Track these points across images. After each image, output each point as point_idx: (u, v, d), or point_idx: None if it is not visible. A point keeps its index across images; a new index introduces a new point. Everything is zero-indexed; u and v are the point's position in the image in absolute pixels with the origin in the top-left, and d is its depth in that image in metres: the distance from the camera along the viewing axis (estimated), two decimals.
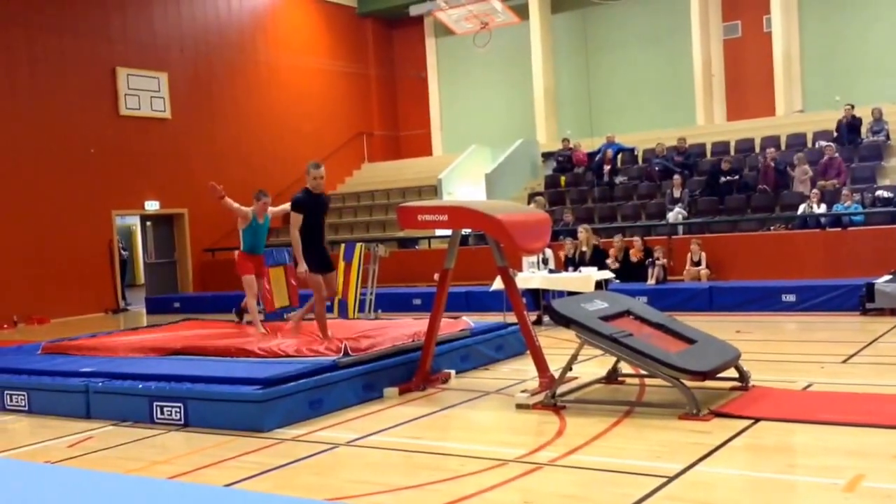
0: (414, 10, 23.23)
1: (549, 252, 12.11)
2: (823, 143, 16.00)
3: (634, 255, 13.86)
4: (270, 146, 21.54)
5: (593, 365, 8.11)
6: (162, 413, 6.98)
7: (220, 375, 7.18)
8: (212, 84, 20.65)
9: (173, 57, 19.91)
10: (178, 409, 6.91)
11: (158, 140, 19.39)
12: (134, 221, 23.11)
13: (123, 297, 19.12)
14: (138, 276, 24.34)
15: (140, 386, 7.23)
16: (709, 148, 18.13)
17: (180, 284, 20.13)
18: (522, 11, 21.29)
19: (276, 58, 22.20)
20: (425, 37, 24.64)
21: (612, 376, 7.47)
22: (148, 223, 20.30)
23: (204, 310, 15.85)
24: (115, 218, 19.01)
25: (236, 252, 10.14)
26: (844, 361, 8.20)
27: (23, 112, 17.14)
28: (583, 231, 13.12)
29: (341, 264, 13.00)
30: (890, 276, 11.59)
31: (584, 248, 12.95)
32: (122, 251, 20.40)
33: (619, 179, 17.80)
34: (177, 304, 17.92)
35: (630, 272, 13.63)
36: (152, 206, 19.45)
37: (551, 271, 12.02)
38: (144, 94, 19.16)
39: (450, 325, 8.93)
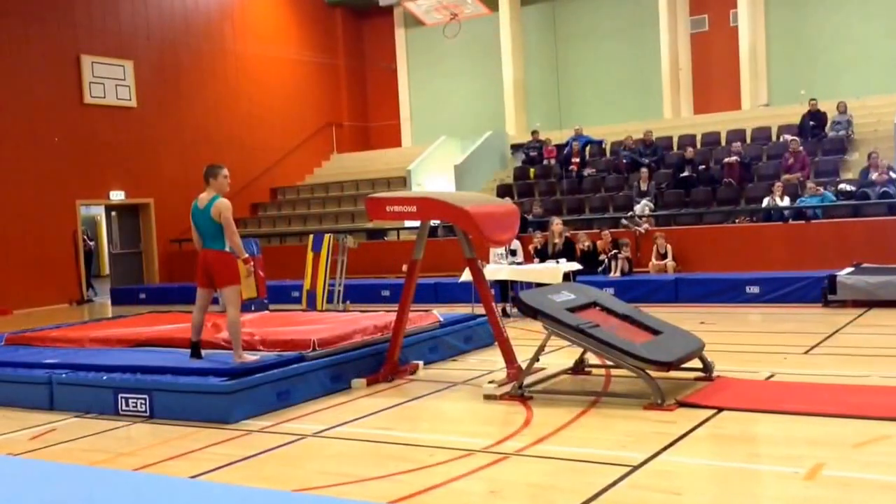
0: (383, 1, 23.14)
1: (517, 244, 12.13)
2: (788, 137, 16.18)
3: (602, 248, 13.91)
4: (238, 136, 21.37)
5: (560, 356, 8.16)
6: (127, 405, 6.91)
7: (186, 367, 7.13)
8: (178, 73, 20.42)
9: (139, 45, 19.66)
10: (143, 401, 6.85)
11: (124, 129, 19.15)
12: (99, 212, 22.84)
13: (90, 288, 18.87)
14: (103, 267, 24.07)
15: (105, 377, 7.16)
16: (675, 141, 18.27)
17: (146, 275, 19.92)
18: (492, 3, 21.29)
19: (244, 47, 22.00)
20: (395, 27, 24.56)
21: (579, 367, 7.53)
22: (113, 213, 20.06)
23: (170, 301, 15.73)
24: (80, 208, 18.77)
25: None
26: (806, 352, 8.33)
27: None
28: (556, 223, 13.13)
29: (309, 255, 12.97)
30: (852, 269, 11.78)
31: (556, 240, 12.98)
32: (88, 241, 20.13)
33: (587, 172, 17.88)
34: (142, 296, 17.76)
35: (592, 264, 13.64)
36: (117, 196, 19.22)
37: (518, 263, 12.05)
38: (109, 82, 18.91)
39: (419, 318, 8.94)
